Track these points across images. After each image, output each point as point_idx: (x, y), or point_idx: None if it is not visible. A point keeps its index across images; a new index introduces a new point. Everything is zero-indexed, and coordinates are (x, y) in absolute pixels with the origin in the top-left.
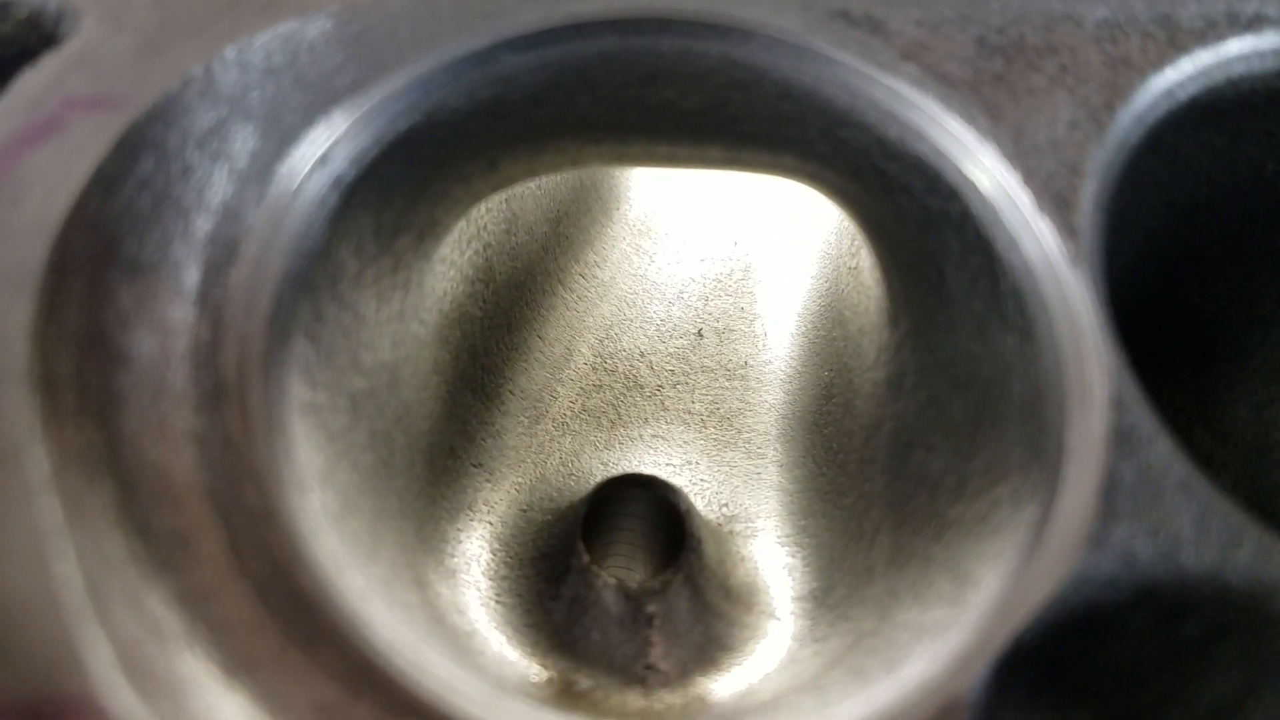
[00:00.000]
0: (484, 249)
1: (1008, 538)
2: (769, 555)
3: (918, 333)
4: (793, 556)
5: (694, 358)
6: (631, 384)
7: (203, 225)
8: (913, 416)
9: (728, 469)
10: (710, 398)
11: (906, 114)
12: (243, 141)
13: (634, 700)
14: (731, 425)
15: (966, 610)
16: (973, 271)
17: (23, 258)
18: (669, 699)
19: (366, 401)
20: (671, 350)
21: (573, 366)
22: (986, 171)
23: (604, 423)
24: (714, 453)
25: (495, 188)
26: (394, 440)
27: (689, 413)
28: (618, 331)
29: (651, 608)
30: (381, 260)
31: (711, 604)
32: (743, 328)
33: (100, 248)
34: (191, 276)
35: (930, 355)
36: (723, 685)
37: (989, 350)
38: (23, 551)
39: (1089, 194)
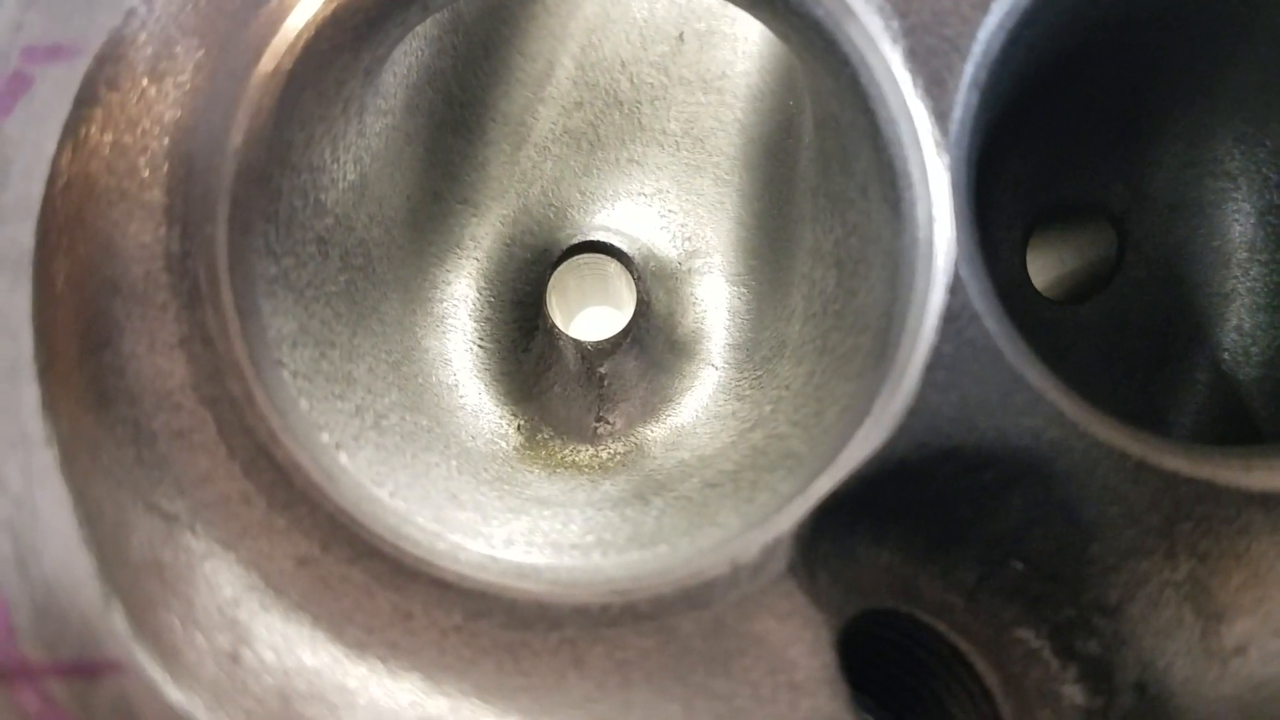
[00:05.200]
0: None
1: (859, 386)
2: (718, 295)
3: (825, 158)
4: (738, 299)
5: (673, 68)
6: (611, 100)
7: (160, 145)
8: (824, 223)
9: (695, 197)
10: (686, 116)
11: None
12: (188, 56)
13: (585, 451)
14: (703, 147)
15: (813, 449)
16: (859, 130)
17: (16, 239)
18: (614, 448)
19: (335, 230)
20: (652, 59)
21: (554, 83)
22: (872, 45)
23: (583, 145)
24: (684, 179)
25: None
26: (369, 244)
27: (664, 133)
28: (600, 38)
29: (603, 367)
30: (331, 112)
31: (656, 359)
32: (724, 29)
33: (79, 199)
34: (157, 196)
35: (834, 183)
36: (658, 434)
37: (868, 206)
38: (57, 528)
39: (967, 74)
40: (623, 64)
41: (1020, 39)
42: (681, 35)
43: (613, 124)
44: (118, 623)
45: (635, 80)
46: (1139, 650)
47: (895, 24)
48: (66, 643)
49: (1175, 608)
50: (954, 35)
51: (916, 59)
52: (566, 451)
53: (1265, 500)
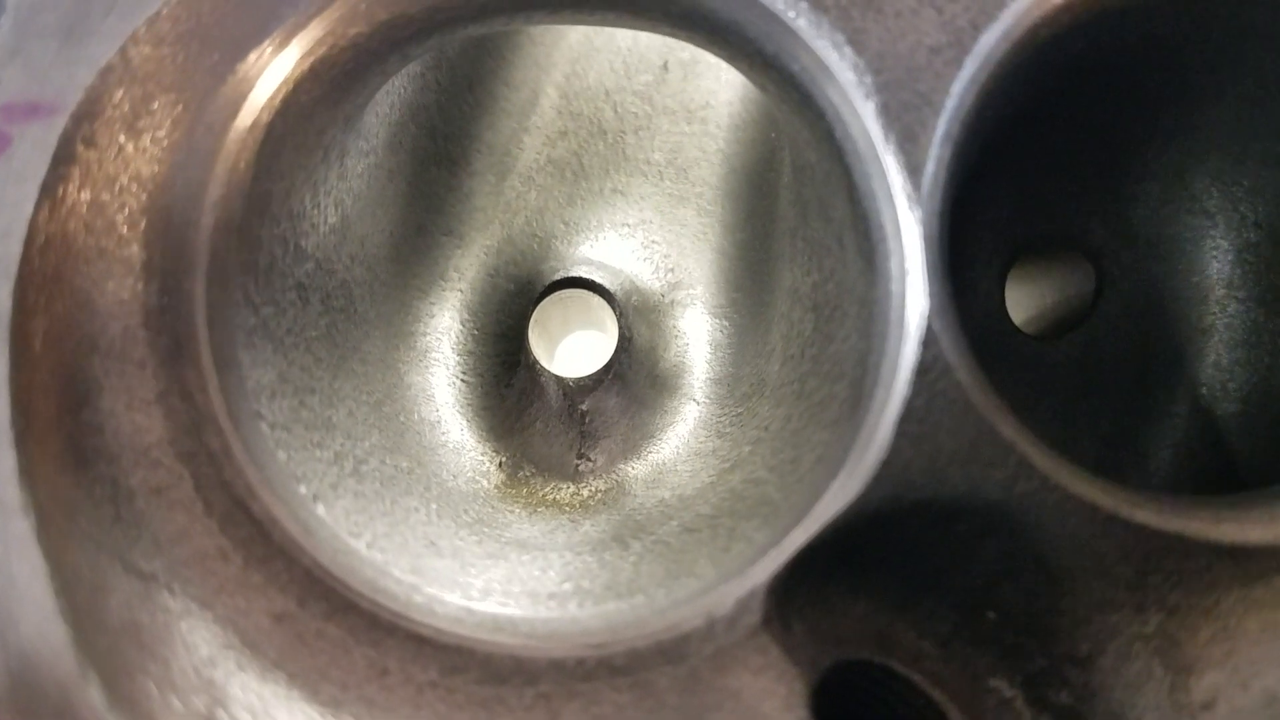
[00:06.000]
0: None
1: (833, 435)
2: (700, 327)
3: (803, 203)
4: (720, 331)
5: (657, 97)
6: (595, 129)
7: (139, 201)
8: (802, 265)
9: (679, 228)
10: (670, 146)
11: (780, 34)
12: (165, 112)
13: (566, 489)
14: (687, 178)
15: (788, 498)
16: (835, 181)
17: None
18: (595, 485)
19: (315, 274)
20: (636, 88)
21: (539, 112)
22: (846, 101)
23: (567, 175)
24: (667, 209)
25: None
26: (351, 284)
27: (648, 163)
28: (584, 67)
29: (585, 404)
30: (311, 161)
31: (638, 395)
32: (708, 59)
33: (57, 258)
34: (135, 252)
35: (812, 228)
36: (639, 472)
37: (844, 255)
38: (33, 598)
39: (939, 128)
40: (607, 93)
41: (994, 91)
42: (665, 64)
43: (597, 154)
44: (94, 693)
45: (619, 109)
46: (1109, 702)
47: (869, 80)
48: (43, 714)
49: (1145, 661)
50: (927, 91)
51: (889, 114)
52: (548, 489)
53: (1234, 553)
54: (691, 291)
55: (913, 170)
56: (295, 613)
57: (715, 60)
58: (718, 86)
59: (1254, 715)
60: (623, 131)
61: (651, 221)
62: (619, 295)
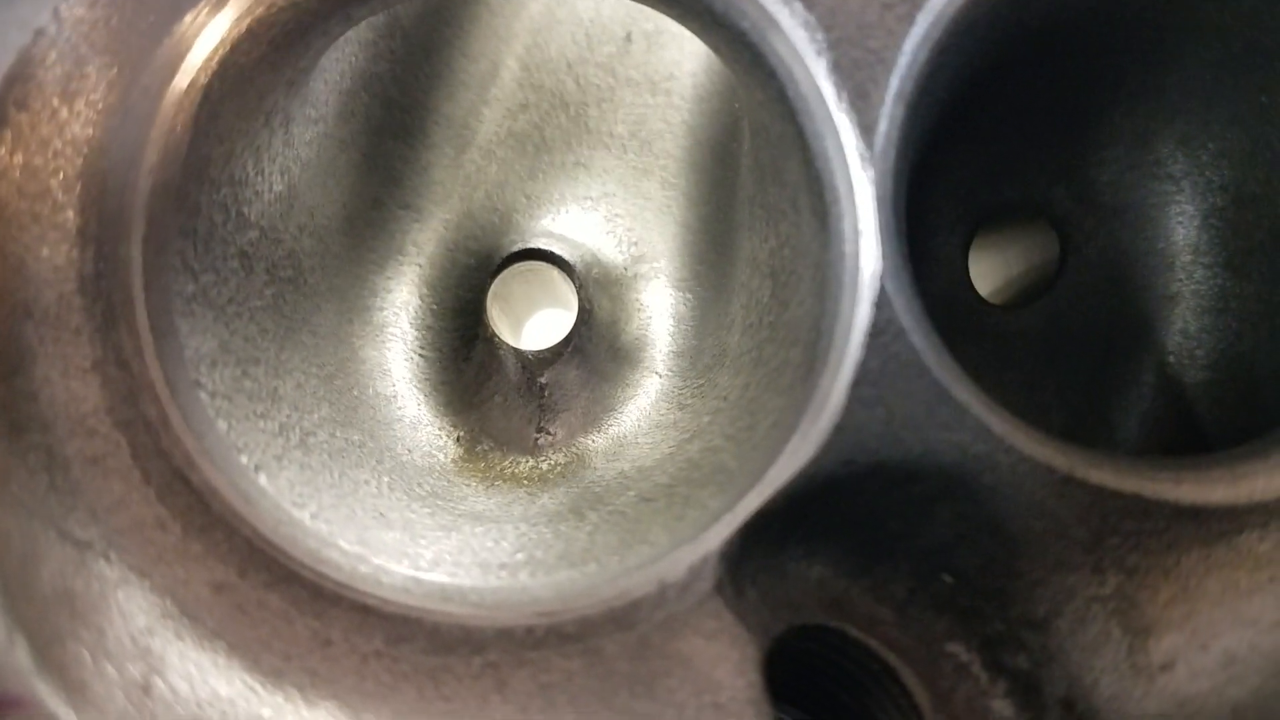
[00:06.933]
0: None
1: (788, 401)
2: (663, 301)
3: (760, 168)
4: (683, 304)
5: (620, 69)
6: (557, 101)
7: (74, 166)
8: (759, 232)
9: (642, 201)
10: (633, 118)
11: None
12: (100, 74)
13: (525, 462)
14: (650, 150)
15: (743, 464)
16: (789, 142)
17: None
18: (554, 459)
19: (260, 243)
20: (599, 59)
21: (499, 84)
22: (798, 58)
23: (528, 148)
24: (631, 182)
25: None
26: (300, 254)
27: (611, 135)
28: (545, 38)
29: (544, 377)
30: (253, 126)
31: (598, 367)
32: (671, 29)
33: None
34: (70, 218)
35: (768, 194)
36: (599, 445)
37: (798, 218)
38: None
39: (892, 86)
40: (569, 65)
41: (950, 49)
42: (629, 35)
43: (559, 126)
44: (20, 657)
45: (582, 81)
46: (1066, 666)
47: (820, 37)
48: None
49: (1102, 623)
50: (879, 48)
51: (841, 72)
52: (506, 463)
53: (1196, 513)
54: (655, 265)
55: (865, 129)
56: (235, 583)
57: (679, 31)
58: (681, 58)
59: (1213, 676)
60: (585, 104)
61: (615, 195)
62: (579, 268)
